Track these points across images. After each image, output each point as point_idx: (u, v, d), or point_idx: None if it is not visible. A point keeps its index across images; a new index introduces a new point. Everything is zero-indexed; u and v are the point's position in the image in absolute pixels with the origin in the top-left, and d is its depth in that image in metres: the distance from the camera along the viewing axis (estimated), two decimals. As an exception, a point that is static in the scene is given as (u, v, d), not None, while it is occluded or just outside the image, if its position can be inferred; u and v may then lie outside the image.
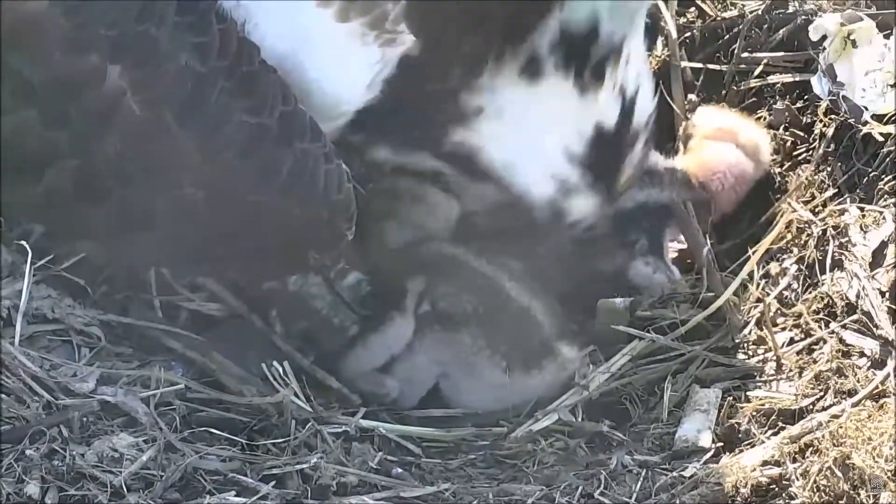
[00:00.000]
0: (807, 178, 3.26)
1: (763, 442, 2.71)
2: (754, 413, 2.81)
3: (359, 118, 2.88)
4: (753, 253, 3.12)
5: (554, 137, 2.95)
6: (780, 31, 3.53)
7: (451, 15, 2.83)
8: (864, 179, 3.18)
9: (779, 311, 3.06)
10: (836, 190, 3.20)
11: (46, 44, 2.67)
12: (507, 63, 2.84)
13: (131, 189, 2.72)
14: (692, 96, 3.53)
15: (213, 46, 2.70)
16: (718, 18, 3.61)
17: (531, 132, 2.93)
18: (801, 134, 3.38)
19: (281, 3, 2.81)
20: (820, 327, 2.98)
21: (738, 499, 2.59)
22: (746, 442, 2.75)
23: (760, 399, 2.86)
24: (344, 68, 2.84)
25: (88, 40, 2.67)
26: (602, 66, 2.90)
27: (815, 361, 2.91)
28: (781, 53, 3.52)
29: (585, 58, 2.88)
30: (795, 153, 3.38)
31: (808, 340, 2.97)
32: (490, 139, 2.91)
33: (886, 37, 3.32)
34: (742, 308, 3.09)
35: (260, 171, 2.72)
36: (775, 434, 2.73)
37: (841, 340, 2.92)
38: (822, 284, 3.04)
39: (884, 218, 3.06)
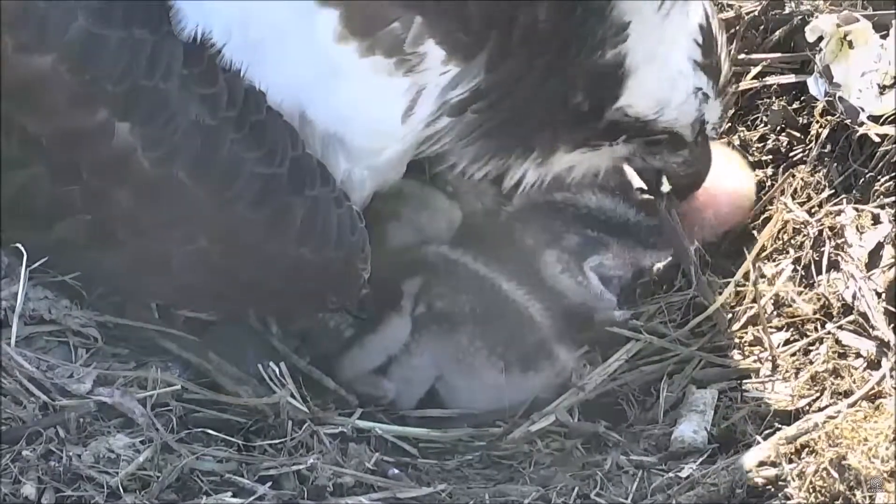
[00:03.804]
0: (803, 179, 3.26)
1: (759, 442, 2.71)
2: (750, 414, 2.82)
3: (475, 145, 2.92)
4: (750, 254, 3.13)
5: (682, 54, 3.01)
6: (777, 33, 3.54)
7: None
8: (861, 180, 3.18)
9: (775, 312, 3.06)
10: (833, 191, 3.21)
11: (53, 100, 2.66)
12: (640, 9, 2.86)
13: (145, 241, 2.74)
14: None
15: (222, 97, 2.69)
16: (715, 19, 3.60)
17: (666, 60, 2.98)
18: (798, 135, 3.39)
19: (299, 43, 2.76)
20: (816, 328, 2.99)
21: (735, 499, 2.60)
22: (742, 442, 2.75)
23: (756, 400, 2.86)
24: (377, 102, 2.82)
25: (95, 97, 2.65)
26: None
27: (811, 362, 2.91)
28: (778, 55, 3.53)
29: None
30: (792, 154, 3.38)
31: (805, 341, 2.97)
32: (639, 88, 2.96)
33: (883, 38, 3.33)
34: (734, 308, 3.09)
35: (274, 222, 2.73)
36: (771, 435, 2.73)
37: (837, 341, 2.92)
38: (819, 285, 3.04)
39: (880, 219, 3.06)
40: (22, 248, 2.78)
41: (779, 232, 3.19)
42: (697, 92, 3.04)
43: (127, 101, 2.65)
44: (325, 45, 2.75)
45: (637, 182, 3.23)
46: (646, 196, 3.24)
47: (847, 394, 2.79)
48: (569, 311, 3.12)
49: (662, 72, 2.98)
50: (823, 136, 3.29)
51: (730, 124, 3.49)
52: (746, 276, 3.11)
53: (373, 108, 2.82)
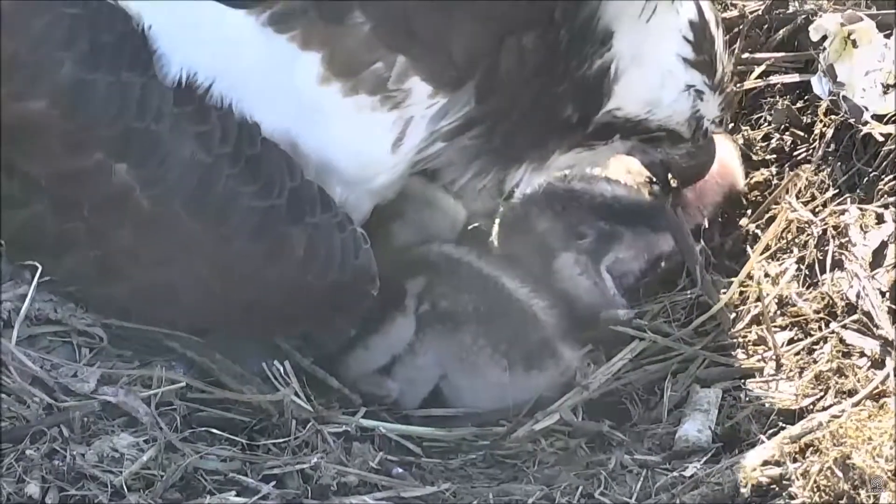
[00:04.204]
0: (807, 178, 3.26)
1: (763, 442, 2.71)
2: (754, 413, 2.81)
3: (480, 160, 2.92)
4: (754, 253, 3.13)
5: (670, 52, 2.99)
6: (781, 32, 3.54)
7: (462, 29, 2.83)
8: (865, 179, 3.18)
9: (779, 311, 3.06)
10: (837, 190, 3.20)
11: (48, 144, 2.70)
12: (623, 15, 2.85)
13: (149, 274, 2.77)
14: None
15: (216, 134, 2.72)
16: (719, 19, 3.60)
17: (655, 59, 2.97)
18: (802, 134, 3.39)
19: (281, 88, 2.78)
20: (820, 327, 2.99)
21: (739, 499, 2.59)
22: (747, 442, 2.75)
23: (761, 399, 2.86)
24: (363, 136, 2.83)
25: (89, 140, 2.69)
26: None
27: (815, 361, 2.91)
28: (782, 54, 3.52)
29: None
30: (796, 153, 3.38)
31: (809, 340, 2.97)
32: (627, 91, 2.95)
33: (887, 37, 3.33)
34: (738, 307, 3.09)
35: (274, 252, 2.75)
36: (775, 434, 2.73)
37: (841, 340, 2.92)
38: (823, 284, 3.04)
39: (884, 218, 3.06)
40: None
41: (783, 231, 3.19)
42: (689, 89, 3.02)
43: (121, 143, 2.69)
44: (307, 88, 2.78)
45: (644, 173, 3.22)
46: (654, 188, 3.23)
47: (851, 393, 2.78)
48: (575, 310, 3.12)
49: (650, 72, 2.96)
50: (827, 135, 3.29)
51: (733, 123, 3.49)
52: (750, 275, 3.11)
53: (360, 143, 2.84)
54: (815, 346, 2.96)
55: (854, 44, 3.33)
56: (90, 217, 2.74)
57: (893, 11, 3.40)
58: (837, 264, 3.04)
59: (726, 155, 3.31)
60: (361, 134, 2.83)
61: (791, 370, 2.92)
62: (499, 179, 2.98)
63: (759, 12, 3.56)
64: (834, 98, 3.30)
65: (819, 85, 3.35)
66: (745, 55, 3.53)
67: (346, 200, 2.86)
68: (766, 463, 2.64)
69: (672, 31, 2.97)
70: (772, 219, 3.26)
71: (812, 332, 2.99)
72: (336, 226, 2.79)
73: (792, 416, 2.79)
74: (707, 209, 3.32)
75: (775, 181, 3.37)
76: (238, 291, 2.79)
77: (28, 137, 2.71)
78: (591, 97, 2.92)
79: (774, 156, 3.41)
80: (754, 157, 3.43)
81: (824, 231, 3.11)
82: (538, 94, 2.87)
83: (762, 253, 3.15)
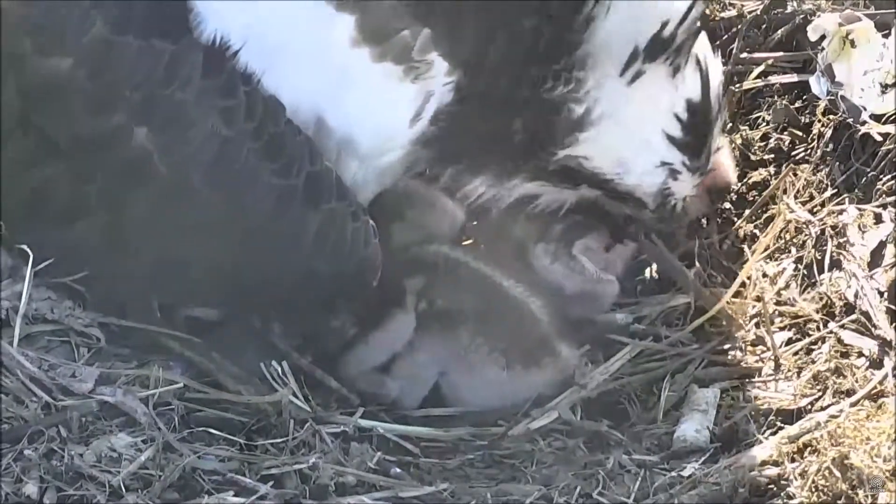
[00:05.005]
0: (805, 178, 3.26)
1: (761, 442, 2.71)
2: (753, 413, 2.81)
3: (432, 155, 2.90)
4: (753, 254, 3.13)
5: (655, 125, 2.96)
6: (779, 31, 3.53)
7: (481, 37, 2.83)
8: (863, 179, 3.18)
9: (777, 312, 3.06)
10: (835, 190, 3.20)
11: (70, 104, 2.68)
12: (596, 65, 2.83)
13: (159, 244, 2.75)
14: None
15: (240, 110, 2.71)
16: (717, 18, 3.60)
17: (635, 126, 2.94)
18: (800, 134, 3.38)
19: (316, 46, 2.78)
20: (818, 327, 2.98)
21: (737, 499, 2.59)
22: (745, 442, 2.75)
23: (759, 399, 2.86)
24: (385, 105, 2.83)
25: (113, 102, 2.68)
26: (686, 42, 2.91)
27: (813, 361, 2.91)
28: (780, 53, 3.52)
29: (680, 39, 2.89)
30: (794, 153, 3.38)
31: (807, 340, 2.97)
32: (598, 144, 2.92)
33: (885, 36, 3.32)
34: (739, 311, 3.09)
35: (287, 231, 2.75)
36: (774, 434, 2.73)
37: (839, 340, 2.92)
38: (821, 284, 3.04)
39: (882, 218, 3.06)
40: (28, 249, 2.78)
41: (781, 231, 3.19)
42: (665, 166, 2.98)
43: (144, 107, 2.68)
44: (340, 50, 2.77)
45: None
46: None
47: (849, 393, 2.78)
48: (569, 303, 3.12)
49: (625, 134, 2.93)
50: (826, 135, 3.29)
51: (731, 123, 3.49)
52: (748, 275, 3.11)
53: (383, 113, 2.84)
54: (813, 346, 2.96)
55: (852, 44, 3.32)
56: (105, 182, 2.71)
57: (891, 11, 3.40)
58: (836, 264, 3.04)
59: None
60: (385, 104, 2.82)
61: (789, 370, 2.92)
62: (454, 178, 2.97)
63: (758, 12, 3.56)
64: (832, 98, 3.29)
65: (817, 85, 3.34)
66: (744, 55, 3.53)
67: (356, 178, 2.86)
68: (764, 463, 2.64)
69: (662, 104, 2.94)
70: (770, 219, 3.26)
71: (810, 332, 2.99)
72: (350, 214, 2.79)
73: (790, 416, 2.79)
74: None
75: (773, 181, 3.37)
76: (245, 266, 2.77)
77: (50, 96, 2.69)
78: (542, 123, 2.89)
79: (772, 155, 3.41)
80: (752, 157, 3.43)
81: (822, 231, 3.11)
82: (502, 100, 2.86)
83: (761, 254, 3.15)
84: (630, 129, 2.93)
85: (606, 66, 2.85)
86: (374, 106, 2.82)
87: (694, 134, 2.99)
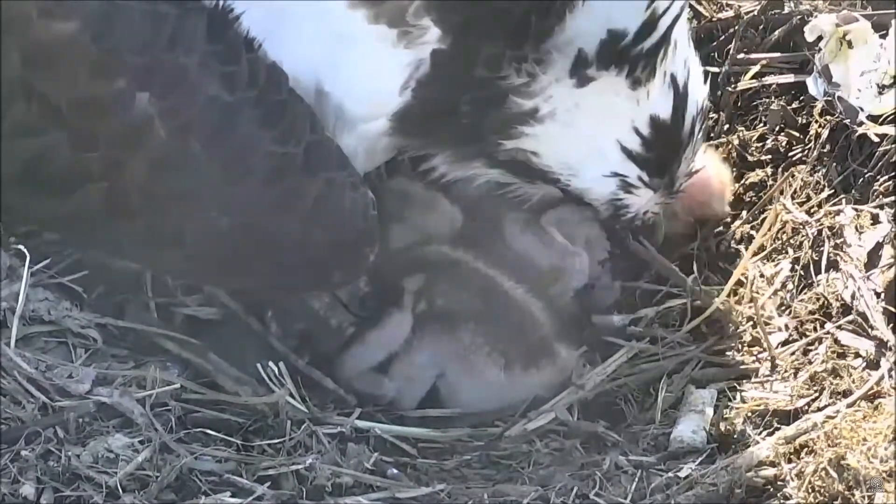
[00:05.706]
0: (802, 179, 3.26)
1: (758, 442, 2.71)
2: (749, 414, 2.81)
3: (401, 128, 2.87)
4: (747, 254, 3.13)
5: (609, 136, 2.92)
6: (776, 32, 3.53)
7: (470, 13, 2.81)
8: (860, 180, 3.18)
9: (774, 312, 3.06)
10: (832, 191, 3.20)
11: (73, 68, 2.66)
12: (553, 64, 2.83)
13: (160, 211, 2.73)
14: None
15: (242, 76, 2.69)
16: (714, 19, 3.60)
17: (586, 132, 2.90)
18: (797, 135, 3.39)
19: (314, 5, 2.78)
20: (815, 328, 2.99)
21: (734, 499, 2.60)
22: (742, 442, 2.75)
23: (756, 400, 2.86)
24: (378, 69, 2.81)
25: (116, 66, 2.65)
26: (653, 57, 2.86)
27: (810, 362, 2.91)
28: (777, 54, 3.52)
29: (637, 52, 2.84)
30: (791, 154, 3.38)
31: (804, 341, 2.97)
32: (545, 142, 2.89)
33: (882, 37, 3.32)
34: (736, 312, 3.09)
35: (286, 200, 2.73)
36: (770, 435, 2.73)
37: (836, 341, 2.92)
38: (818, 285, 3.04)
39: (879, 219, 3.06)
40: (24, 250, 2.79)
41: (778, 232, 3.19)
42: (617, 177, 2.95)
43: (146, 72, 2.66)
44: (338, 11, 2.76)
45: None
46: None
47: (846, 394, 2.78)
48: (535, 271, 3.09)
49: (575, 139, 2.89)
50: (823, 136, 3.29)
51: (728, 124, 3.49)
52: (745, 276, 3.11)
53: (374, 77, 2.81)
54: (810, 347, 2.96)
55: (849, 44, 3.33)
56: (105, 147, 2.69)
57: (889, 12, 3.40)
58: (833, 265, 3.04)
59: (710, 175, 3.27)
60: (377, 67, 2.80)
61: (786, 371, 2.92)
62: (416, 150, 2.95)
63: (755, 13, 3.55)
64: (829, 99, 3.29)
65: (814, 85, 3.35)
66: (741, 56, 3.53)
67: (348, 148, 2.82)
68: (760, 463, 2.64)
69: (619, 115, 2.90)
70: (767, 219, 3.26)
71: (807, 333, 2.99)
72: (350, 185, 2.77)
73: (787, 417, 2.79)
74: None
75: (770, 182, 3.37)
76: (244, 234, 2.75)
77: (54, 59, 2.66)
78: (486, 108, 2.86)
79: (769, 156, 3.41)
80: (749, 158, 3.43)
81: (819, 232, 3.11)
82: (460, 77, 2.82)
83: (756, 254, 3.15)
84: (580, 134, 2.89)
85: (563, 66, 2.83)
86: (366, 70, 2.80)
87: (657, 151, 2.94)
